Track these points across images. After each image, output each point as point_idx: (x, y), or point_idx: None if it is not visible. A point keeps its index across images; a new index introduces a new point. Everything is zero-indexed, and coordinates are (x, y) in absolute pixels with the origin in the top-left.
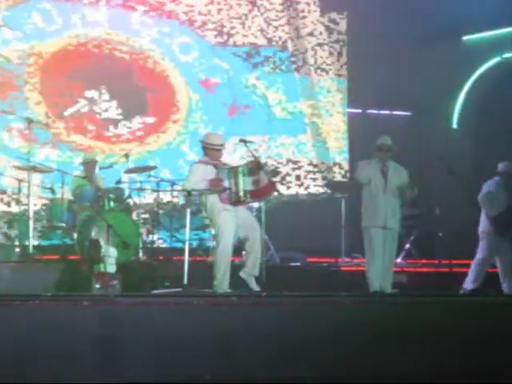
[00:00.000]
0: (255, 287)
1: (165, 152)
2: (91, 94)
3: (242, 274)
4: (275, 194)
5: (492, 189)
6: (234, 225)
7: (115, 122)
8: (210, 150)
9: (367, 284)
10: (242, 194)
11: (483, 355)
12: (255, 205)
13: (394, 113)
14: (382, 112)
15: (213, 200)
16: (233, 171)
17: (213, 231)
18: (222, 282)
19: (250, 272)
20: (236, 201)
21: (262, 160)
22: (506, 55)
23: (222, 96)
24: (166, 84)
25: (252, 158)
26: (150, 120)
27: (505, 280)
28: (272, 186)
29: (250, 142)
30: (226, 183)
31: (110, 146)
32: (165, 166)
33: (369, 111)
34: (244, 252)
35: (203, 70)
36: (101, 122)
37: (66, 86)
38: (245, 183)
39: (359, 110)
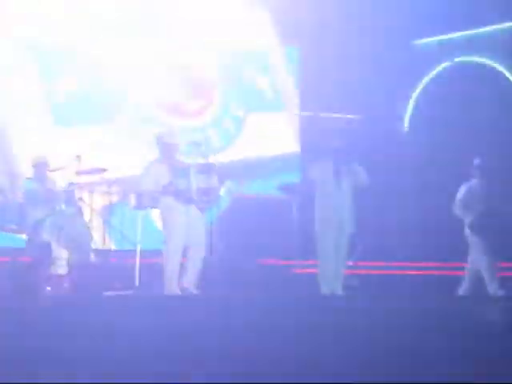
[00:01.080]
0: (194, 291)
1: None
2: None
3: (184, 284)
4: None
5: (463, 196)
6: (183, 226)
7: None
8: (165, 149)
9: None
10: (194, 192)
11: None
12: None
13: (346, 116)
14: (333, 115)
15: (166, 200)
16: (185, 171)
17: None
18: (171, 284)
19: (190, 281)
20: (188, 198)
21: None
22: (457, 59)
23: None
24: None
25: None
26: None
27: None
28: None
29: (198, 143)
30: (180, 182)
31: None
32: None
33: (321, 114)
34: (188, 254)
35: None
36: None
37: None
38: (198, 181)
39: (311, 113)
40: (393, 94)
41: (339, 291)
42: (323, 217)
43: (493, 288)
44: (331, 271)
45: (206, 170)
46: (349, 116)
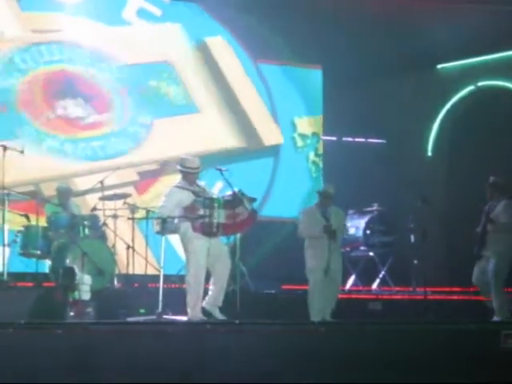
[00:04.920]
0: (220, 316)
1: None
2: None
3: (205, 305)
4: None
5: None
6: (205, 252)
7: None
8: (187, 174)
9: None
10: (214, 226)
11: None
12: None
13: (369, 140)
14: (356, 140)
15: (186, 227)
16: (209, 202)
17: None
18: (195, 310)
19: (214, 303)
20: (208, 232)
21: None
22: (480, 83)
23: None
24: None
25: (231, 191)
26: None
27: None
28: (251, 220)
29: (225, 170)
30: (201, 212)
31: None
32: None
33: (344, 138)
34: (211, 281)
35: None
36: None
37: None
38: (219, 216)
39: (334, 138)
40: (417, 118)
41: (328, 317)
42: (313, 257)
43: None
44: (320, 305)
45: (230, 205)
46: (372, 140)
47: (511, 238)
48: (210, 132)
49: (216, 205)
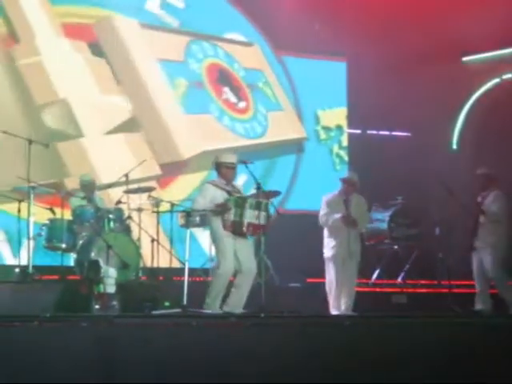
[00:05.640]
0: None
1: None
2: None
3: (226, 308)
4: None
5: None
6: (233, 251)
7: None
8: (224, 169)
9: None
10: (245, 226)
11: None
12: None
13: (394, 133)
14: (381, 133)
15: (216, 225)
16: (241, 201)
17: (213, 253)
18: (214, 302)
19: (235, 306)
20: (238, 232)
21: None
22: (506, 76)
23: None
24: None
25: (256, 187)
26: None
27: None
28: (274, 221)
29: (250, 163)
30: (232, 210)
31: None
32: None
33: (369, 131)
34: (235, 282)
35: None
36: None
37: None
38: (250, 216)
39: (359, 131)
40: (442, 111)
41: (349, 311)
42: (333, 245)
43: None
44: (339, 293)
45: (259, 206)
46: (397, 133)
47: (503, 228)
48: None
49: (248, 205)
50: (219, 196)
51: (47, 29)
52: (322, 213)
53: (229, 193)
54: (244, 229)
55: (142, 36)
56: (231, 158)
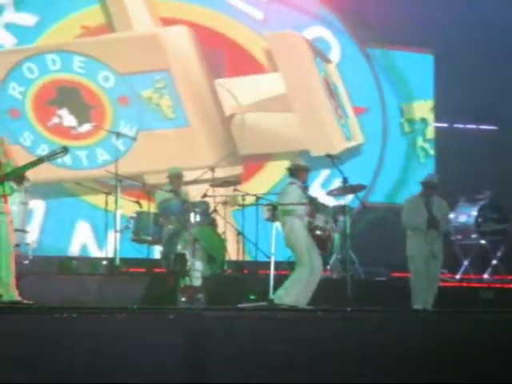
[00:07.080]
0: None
1: None
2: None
3: (289, 301)
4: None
5: None
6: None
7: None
8: (300, 172)
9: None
10: (330, 241)
11: None
12: (341, 218)
13: (481, 127)
14: (468, 126)
15: (291, 224)
16: (322, 207)
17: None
18: (297, 298)
19: (300, 301)
20: (323, 247)
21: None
22: None
23: None
24: None
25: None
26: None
27: None
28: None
29: (336, 157)
30: (319, 219)
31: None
32: None
33: (455, 125)
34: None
35: None
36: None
37: None
38: (327, 222)
39: (446, 124)
40: None
41: (430, 306)
42: (415, 245)
43: None
44: (423, 289)
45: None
46: (484, 127)
47: None
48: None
49: (330, 213)
50: (300, 195)
51: (146, 21)
52: (404, 215)
53: (303, 190)
54: (329, 244)
55: None
56: (303, 162)
